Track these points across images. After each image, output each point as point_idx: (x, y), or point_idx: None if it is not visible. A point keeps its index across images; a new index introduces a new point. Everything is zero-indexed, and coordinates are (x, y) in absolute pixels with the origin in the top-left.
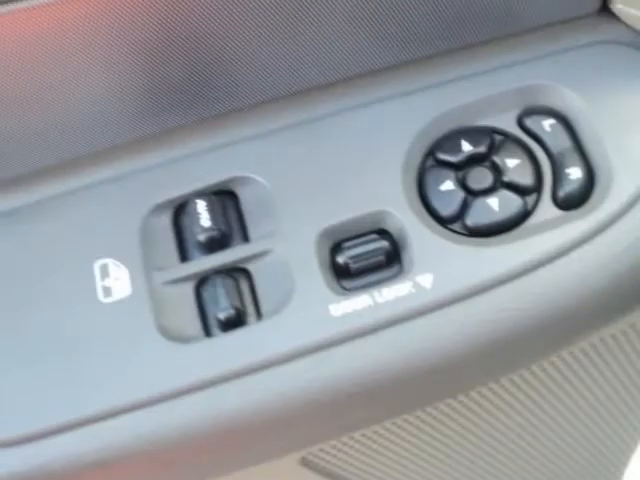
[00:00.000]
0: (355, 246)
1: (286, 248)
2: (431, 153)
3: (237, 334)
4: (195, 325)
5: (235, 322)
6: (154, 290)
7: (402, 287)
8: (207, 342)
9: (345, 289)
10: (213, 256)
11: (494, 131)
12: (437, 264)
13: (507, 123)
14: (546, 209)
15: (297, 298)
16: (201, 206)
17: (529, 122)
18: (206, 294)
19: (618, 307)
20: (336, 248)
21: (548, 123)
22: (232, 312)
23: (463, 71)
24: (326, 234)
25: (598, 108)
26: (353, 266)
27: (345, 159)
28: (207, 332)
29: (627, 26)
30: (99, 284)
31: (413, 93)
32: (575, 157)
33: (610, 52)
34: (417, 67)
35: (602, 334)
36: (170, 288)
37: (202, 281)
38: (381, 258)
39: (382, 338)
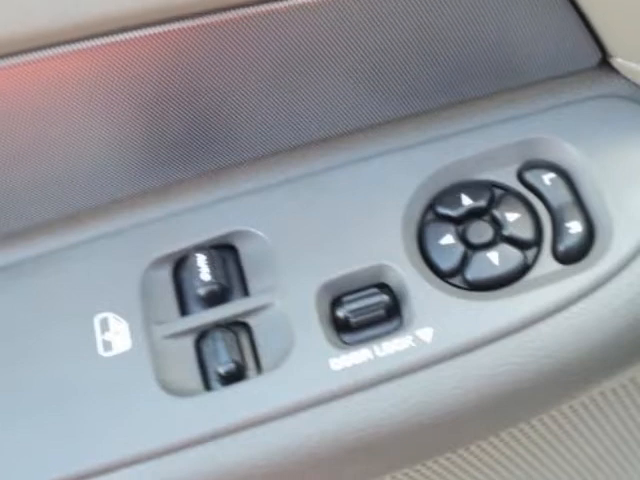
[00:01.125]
0: (355, 300)
1: (286, 302)
2: (431, 207)
3: (237, 388)
4: (195, 379)
5: (235, 376)
6: (154, 344)
7: (402, 341)
8: (207, 396)
9: (345, 343)
10: (213, 310)
11: (494, 185)
12: (437, 318)
13: (507, 177)
14: (546, 263)
15: (297, 352)
16: (201, 260)
17: (529, 176)
18: (206, 348)
19: (618, 361)
20: (336, 302)
21: (548, 177)
22: (232, 366)
23: (463, 125)
24: (326, 288)
25: (598, 162)
26: (353, 320)
27: (345, 213)
28: (207, 386)
29: (627, 80)
30: (99, 338)
31: (413, 147)
32: (575, 211)
33: (610, 106)
34: (417, 121)
35: (602, 388)
36: (170, 342)
37: (202, 335)
38: (381, 312)
39: (382, 392)
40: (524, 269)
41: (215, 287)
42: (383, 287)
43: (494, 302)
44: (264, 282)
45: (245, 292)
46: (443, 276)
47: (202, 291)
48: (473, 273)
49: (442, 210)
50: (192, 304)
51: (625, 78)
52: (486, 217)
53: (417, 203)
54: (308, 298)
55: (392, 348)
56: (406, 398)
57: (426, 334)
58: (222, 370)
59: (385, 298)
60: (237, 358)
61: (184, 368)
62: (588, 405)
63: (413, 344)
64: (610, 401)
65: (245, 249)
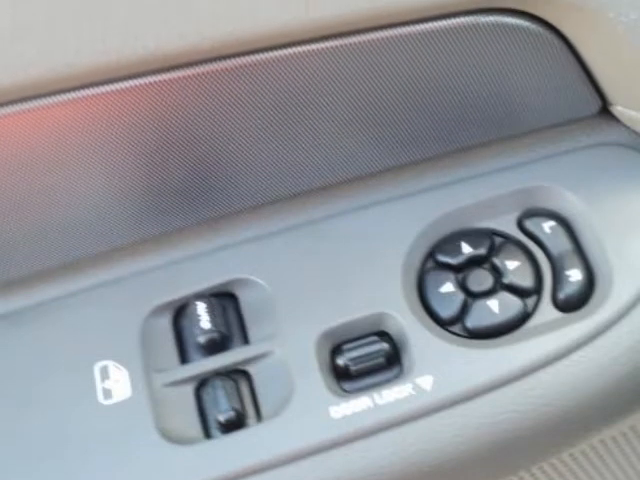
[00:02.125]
0: (355, 348)
1: (286, 350)
2: (431, 255)
3: (237, 436)
4: (195, 427)
5: (235, 424)
6: (154, 392)
7: (402, 389)
8: (207, 444)
9: (345, 391)
10: (213, 358)
11: (494, 233)
12: (437, 366)
13: (507, 225)
14: (546, 311)
15: (297, 400)
16: (201, 308)
17: (529, 224)
18: (206, 396)
19: (618, 409)
20: (336, 350)
21: (548, 225)
22: (232, 414)
23: (463, 173)
24: (326, 336)
25: (598, 210)
26: (353, 368)
27: (345, 261)
28: (207, 434)
29: (627, 128)
30: (99, 386)
31: (413, 195)
32: (575, 259)
33: (611, 154)
34: (416, 169)
35: (602, 436)
36: (170, 390)
37: (202, 383)
38: (381, 360)
39: (382, 440)
40: (524, 317)
41: (215, 335)
42: (383, 335)
43: (494, 350)
44: (264, 330)
45: (245, 340)
46: (443, 324)
47: (202, 339)
48: (473, 321)
49: (442, 258)
50: (192, 352)
51: (625, 126)
52: (486, 265)
53: (417, 251)
54: (308, 346)
55: (392, 396)
56: (406, 446)
57: (426, 382)
58: (222, 418)
59: (385, 346)
60: (237, 406)
61: (184, 416)
62: (588, 453)
63: (413, 392)
64: (610, 449)
65: (245, 297)
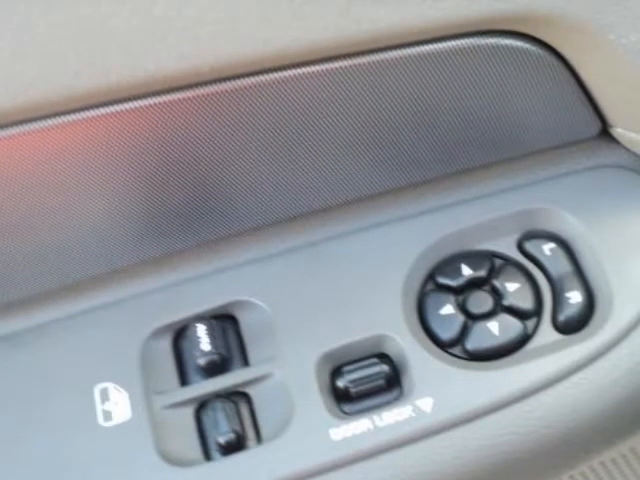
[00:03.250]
0: (355, 370)
1: (286, 372)
2: (431, 277)
3: (237, 458)
4: (195, 449)
5: (235, 446)
6: (154, 414)
7: (402, 411)
8: (207, 466)
9: (345, 413)
10: (213, 380)
11: (494, 255)
12: (437, 388)
13: (507, 247)
14: (546, 333)
15: (297, 422)
16: (201, 330)
17: (529, 246)
18: (206, 418)
19: (618, 431)
20: (336, 372)
21: (548, 247)
22: (232, 436)
23: (463, 195)
24: (326, 358)
25: (598, 232)
26: (353, 390)
27: (345, 283)
28: (207, 456)
29: (627, 150)
30: (99, 408)
31: (413, 217)
32: (575, 281)
33: (611, 176)
34: (416, 191)
35: (602, 458)
36: (170, 412)
37: (202, 405)
38: (381, 382)
39: (382, 462)
40: (524, 339)
41: (215, 357)
42: (383, 357)
43: (494, 372)
44: (264, 352)
45: (245, 362)
46: (443, 346)
47: (202, 361)
48: (473, 343)
49: (442, 280)
50: (192, 374)
51: (625, 148)
52: (486, 287)
53: (417, 273)
54: (308, 368)
55: (392, 418)
56: (406, 468)
57: (426, 404)
58: (222, 440)
59: (385, 368)
60: (237, 428)
61: (184, 438)
62: (588, 475)
63: (413, 414)
64: (610, 471)
65: (245, 319)
